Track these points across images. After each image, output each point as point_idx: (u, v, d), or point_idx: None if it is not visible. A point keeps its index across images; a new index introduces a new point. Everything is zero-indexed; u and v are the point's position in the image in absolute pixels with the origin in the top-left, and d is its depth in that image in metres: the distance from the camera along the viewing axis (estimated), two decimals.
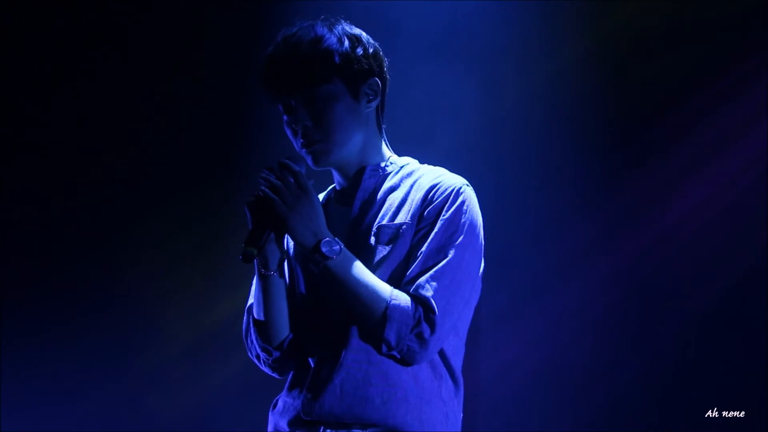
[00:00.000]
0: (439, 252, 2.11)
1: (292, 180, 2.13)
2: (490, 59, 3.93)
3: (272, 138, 3.00)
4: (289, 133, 2.24)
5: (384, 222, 2.18)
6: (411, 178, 2.24)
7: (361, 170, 2.26)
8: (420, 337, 2.08)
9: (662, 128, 3.77)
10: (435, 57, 3.94)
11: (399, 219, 2.18)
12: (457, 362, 2.21)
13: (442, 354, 2.17)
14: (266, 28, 2.68)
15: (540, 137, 3.89)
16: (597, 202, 3.82)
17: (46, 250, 4.18)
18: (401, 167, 2.28)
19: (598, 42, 3.86)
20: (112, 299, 4.16)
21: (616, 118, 3.84)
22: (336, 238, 2.10)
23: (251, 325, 2.28)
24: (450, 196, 2.16)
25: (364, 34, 2.26)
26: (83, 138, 4.19)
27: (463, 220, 2.14)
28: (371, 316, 2.07)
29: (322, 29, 2.19)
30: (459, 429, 2.21)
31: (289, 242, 2.30)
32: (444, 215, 2.14)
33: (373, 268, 2.13)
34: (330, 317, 2.17)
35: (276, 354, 2.24)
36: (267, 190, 2.11)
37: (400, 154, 2.34)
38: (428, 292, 2.08)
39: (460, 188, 2.18)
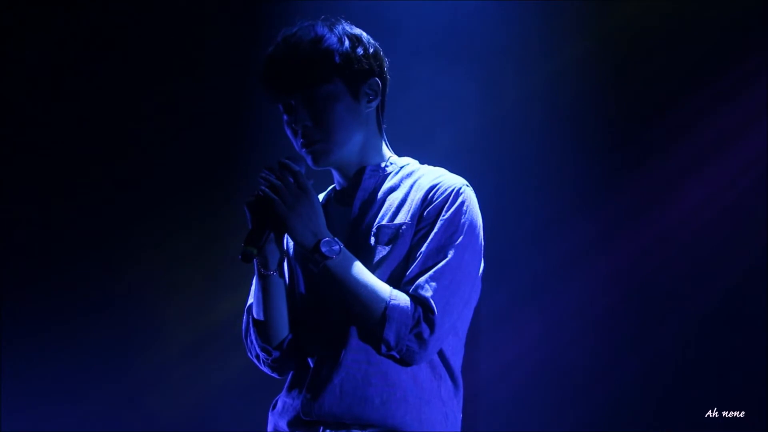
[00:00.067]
0: (438, 252, 2.11)
1: (291, 180, 2.13)
2: (490, 59, 3.93)
3: (272, 138, 3.00)
4: (289, 133, 2.24)
5: (384, 222, 2.18)
6: (411, 179, 2.24)
7: (361, 170, 2.26)
8: (419, 337, 2.08)
9: (662, 128, 3.77)
10: (435, 57, 3.94)
11: (399, 219, 2.18)
12: (457, 362, 2.21)
13: (441, 354, 2.17)
14: (266, 28, 2.68)
15: (540, 137, 3.89)
16: (597, 202, 3.82)
17: (46, 250, 4.18)
18: (401, 167, 2.28)
19: (598, 42, 3.86)
20: (112, 299, 4.16)
21: (616, 118, 3.84)
22: (336, 238, 2.10)
23: (251, 325, 2.28)
24: (450, 196, 2.16)
25: (364, 34, 2.26)
26: (83, 138, 4.19)
27: (462, 221, 2.14)
28: (370, 316, 2.07)
29: (322, 29, 2.19)
30: (458, 429, 2.21)
31: (288, 242, 2.30)
32: (444, 215, 2.14)
33: (372, 268, 2.13)
34: (329, 317, 2.17)
35: (275, 354, 2.24)
36: (267, 189, 2.11)
37: (400, 154, 2.34)
38: (428, 293, 2.08)
39: (460, 188, 2.18)
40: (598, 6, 3.86)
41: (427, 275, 2.10)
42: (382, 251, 2.16)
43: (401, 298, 2.08)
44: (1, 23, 4.19)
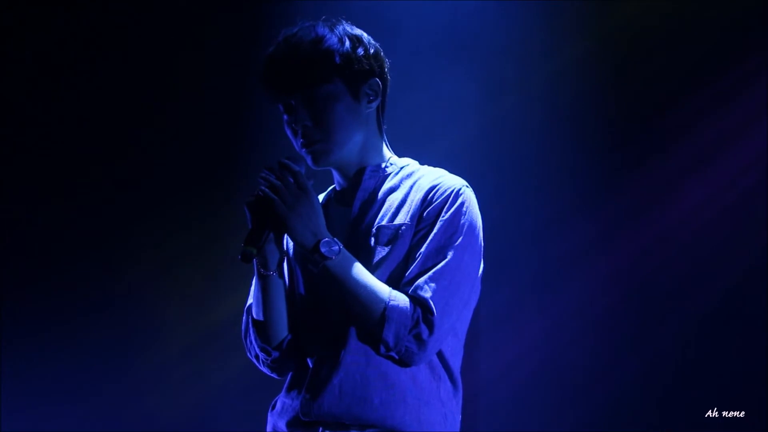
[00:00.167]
0: (438, 253, 2.11)
1: (291, 180, 2.13)
2: (491, 59, 3.93)
3: (272, 138, 3.00)
4: (289, 133, 2.24)
5: (383, 223, 2.18)
6: (411, 179, 2.24)
7: (361, 171, 2.26)
8: (418, 338, 2.08)
9: (662, 128, 3.77)
10: (435, 57, 3.94)
11: (398, 220, 2.18)
12: (456, 363, 2.21)
13: (440, 355, 2.17)
14: (266, 28, 2.68)
15: (540, 137, 3.89)
16: (597, 202, 3.82)
17: (46, 250, 4.18)
18: (401, 168, 2.28)
19: (598, 42, 3.86)
20: (112, 299, 4.15)
21: (616, 118, 3.84)
22: (335, 239, 2.10)
23: (250, 325, 2.28)
24: (449, 197, 2.16)
25: (365, 34, 2.26)
26: (83, 138, 4.19)
27: (462, 222, 2.14)
28: (370, 317, 2.07)
29: (323, 29, 2.19)
30: (457, 430, 2.21)
31: (288, 242, 2.30)
32: (443, 216, 2.14)
33: (372, 268, 2.13)
34: (329, 318, 2.17)
35: (275, 354, 2.24)
36: (267, 190, 2.11)
37: (400, 155, 2.34)
38: (427, 293, 2.08)
39: (460, 189, 2.18)
40: (598, 6, 3.86)
41: (426, 276, 2.10)
42: (381, 252, 2.16)
43: (400, 299, 2.08)
44: (1, 23, 4.19)
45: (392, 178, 2.26)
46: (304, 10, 2.34)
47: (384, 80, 2.27)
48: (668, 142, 3.75)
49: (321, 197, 2.35)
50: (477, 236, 2.17)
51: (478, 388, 3.76)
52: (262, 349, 2.25)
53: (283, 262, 2.24)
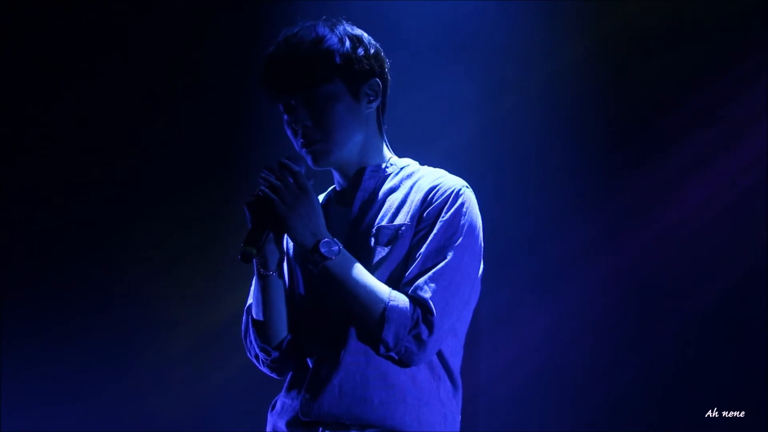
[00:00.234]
0: (438, 253, 2.11)
1: (291, 180, 2.13)
2: (491, 59, 3.93)
3: (272, 138, 3.00)
4: (289, 133, 2.24)
5: (383, 223, 2.18)
6: (411, 180, 2.24)
7: (361, 171, 2.26)
8: (418, 338, 2.07)
9: (662, 128, 3.77)
10: (435, 57, 3.94)
11: (398, 220, 2.18)
12: (456, 363, 2.21)
13: (440, 355, 2.17)
14: (266, 28, 2.68)
15: (540, 137, 3.89)
16: (597, 202, 3.82)
17: (46, 250, 4.18)
18: (401, 168, 2.28)
19: (598, 42, 3.86)
20: (112, 299, 4.15)
21: (616, 118, 3.84)
22: (335, 239, 2.10)
23: (250, 325, 2.28)
24: (449, 197, 2.16)
25: (365, 34, 2.26)
26: (83, 138, 4.19)
27: (462, 222, 2.14)
28: (369, 317, 2.07)
29: (323, 29, 2.19)
30: (457, 430, 2.21)
31: (288, 243, 2.30)
32: (443, 217, 2.14)
33: (372, 268, 2.13)
34: (329, 318, 2.17)
35: (275, 354, 2.24)
36: (266, 190, 2.11)
37: (400, 155, 2.34)
38: (427, 294, 2.08)
39: (460, 190, 2.18)
40: (598, 6, 3.86)
41: (426, 276, 2.10)
42: (381, 252, 2.16)
43: (400, 299, 2.08)
44: (1, 23, 4.18)
45: (392, 178, 2.26)
46: (304, 10, 2.34)
47: (384, 80, 2.27)
48: (668, 142, 3.75)
49: (321, 197, 2.35)
50: (477, 236, 2.17)
51: (478, 388, 3.76)
52: (262, 349, 2.25)
53: (283, 262, 2.24)
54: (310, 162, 2.21)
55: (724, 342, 3.63)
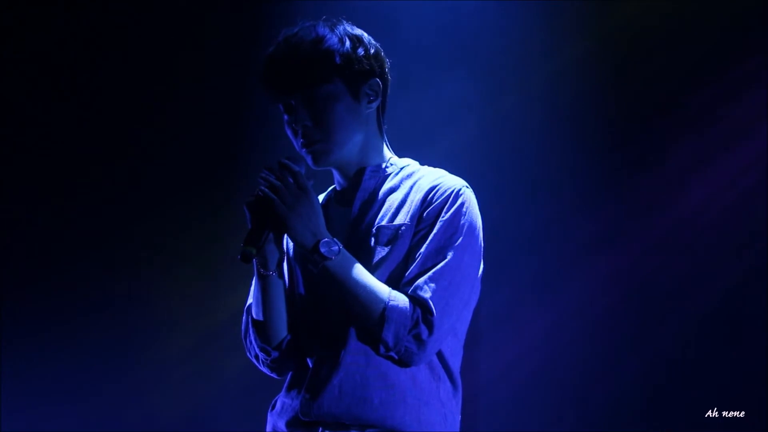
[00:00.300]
0: (438, 253, 2.11)
1: (291, 180, 2.13)
2: (490, 59, 3.93)
3: (272, 138, 3.00)
4: (289, 133, 2.24)
5: (383, 223, 2.18)
6: (411, 180, 2.24)
7: (361, 171, 2.26)
8: (418, 338, 2.07)
9: (662, 128, 3.77)
10: (435, 57, 3.94)
11: (398, 220, 2.18)
12: (456, 364, 2.21)
13: (440, 355, 2.17)
14: (266, 28, 2.68)
15: (540, 137, 3.89)
16: (597, 202, 3.82)
17: (46, 250, 4.18)
18: (401, 168, 2.28)
19: (598, 42, 3.86)
20: (112, 299, 4.15)
21: (616, 118, 3.84)
22: (335, 239, 2.10)
23: (250, 325, 2.28)
24: (449, 197, 2.16)
25: (365, 34, 2.26)
26: (83, 138, 4.19)
27: (462, 222, 2.14)
28: (369, 317, 2.07)
29: (323, 29, 2.19)
30: (457, 430, 2.21)
31: (288, 243, 2.30)
32: (443, 217, 2.14)
33: (371, 268, 2.13)
34: (329, 318, 2.17)
35: (274, 354, 2.24)
36: (266, 190, 2.11)
37: (400, 155, 2.34)
38: (426, 294, 2.08)
39: (460, 190, 2.18)
40: (598, 6, 3.86)
41: (426, 276, 2.10)
42: (381, 252, 2.16)
43: (400, 299, 2.08)
44: (1, 23, 4.18)
45: (392, 178, 2.26)
46: (305, 10, 2.34)
47: (384, 80, 2.27)
48: (668, 142, 3.75)
49: (321, 197, 2.35)
50: (477, 236, 2.17)
51: (478, 388, 3.76)
52: (262, 349, 2.25)
53: (283, 262, 2.24)
54: (310, 162, 2.21)
55: (724, 342, 3.63)
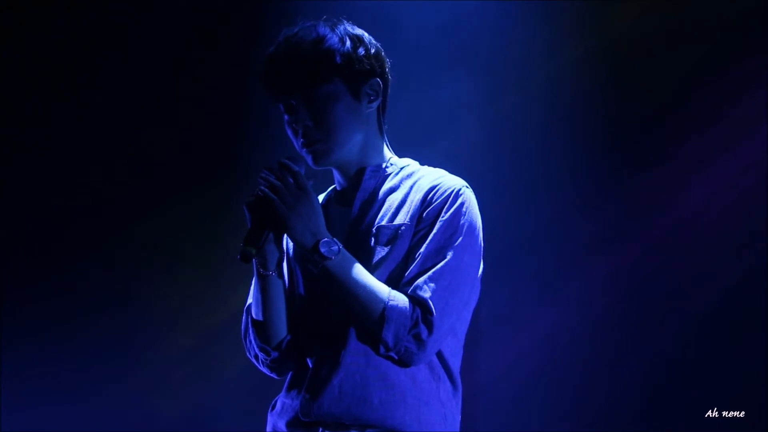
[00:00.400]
0: (437, 253, 2.11)
1: (291, 180, 2.13)
2: (491, 59, 3.93)
3: (272, 138, 3.00)
4: (289, 132, 2.24)
5: (383, 223, 2.18)
6: (411, 180, 2.24)
7: (361, 171, 2.26)
8: (418, 338, 2.07)
9: (662, 128, 3.77)
10: (435, 57, 3.94)
11: (398, 220, 2.18)
12: (456, 364, 2.21)
13: (440, 355, 2.17)
14: (266, 28, 2.67)
15: (540, 137, 3.89)
16: (597, 202, 3.82)
17: (46, 250, 4.18)
18: (401, 168, 2.28)
19: (598, 42, 3.86)
20: (113, 299, 4.15)
21: (616, 118, 3.84)
22: (335, 239, 2.10)
23: (250, 325, 2.28)
24: (449, 197, 2.16)
25: (366, 34, 2.26)
26: (83, 138, 4.19)
27: (462, 222, 2.14)
28: (369, 317, 2.07)
29: (324, 29, 2.19)
30: (457, 430, 2.22)
31: (288, 242, 2.30)
32: (443, 217, 2.14)
33: (371, 268, 2.13)
34: (329, 318, 2.17)
35: (274, 354, 2.24)
36: (266, 190, 2.11)
37: (400, 155, 2.34)
38: (426, 293, 2.08)
39: (460, 190, 2.18)
40: (598, 6, 3.86)
41: (426, 276, 2.10)
42: (381, 252, 2.16)
43: (400, 299, 2.08)
44: (1, 23, 4.18)
45: (392, 178, 2.26)
46: (305, 9, 2.34)
47: (385, 80, 2.27)
48: (668, 143, 3.75)
49: (321, 197, 2.35)
50: (477, 236, 2.17)
51: (478, 388, 3.76)
52: (262, 349, 2.25)
53: (283, 261, 2.24)
54: (310, 162, 2.21)
55: (724, 342, 3.63)
